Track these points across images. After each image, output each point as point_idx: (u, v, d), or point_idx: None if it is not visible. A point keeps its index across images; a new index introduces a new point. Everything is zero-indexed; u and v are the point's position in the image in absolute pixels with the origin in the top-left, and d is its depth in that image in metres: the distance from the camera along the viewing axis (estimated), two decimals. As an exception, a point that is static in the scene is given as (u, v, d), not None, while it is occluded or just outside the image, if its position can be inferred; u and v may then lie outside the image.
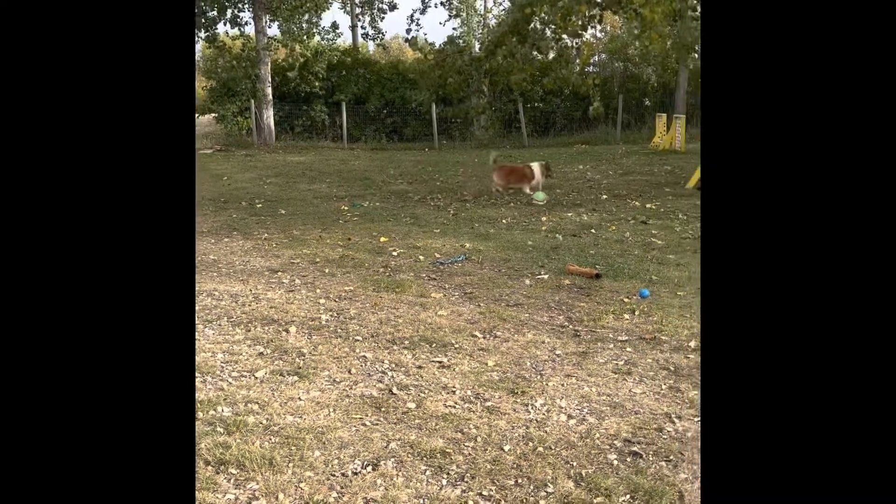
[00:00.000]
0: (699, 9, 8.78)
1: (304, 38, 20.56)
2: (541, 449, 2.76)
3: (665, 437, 2.88)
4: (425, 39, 10.33)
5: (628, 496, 2.44)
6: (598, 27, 23.67)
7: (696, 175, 10.61)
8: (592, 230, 7.57)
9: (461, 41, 20.19)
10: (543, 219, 8.27)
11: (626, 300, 4.83)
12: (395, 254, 6.33)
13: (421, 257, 6.19)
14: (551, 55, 10.92)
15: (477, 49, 15.81)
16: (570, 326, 4.31)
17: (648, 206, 9.07)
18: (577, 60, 9.62)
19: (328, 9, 20.94)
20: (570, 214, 8.55)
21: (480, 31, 26.28)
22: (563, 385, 3.41)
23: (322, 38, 22.35)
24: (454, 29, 26.99)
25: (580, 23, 9.16)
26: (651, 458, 2.70)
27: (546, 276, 5.53)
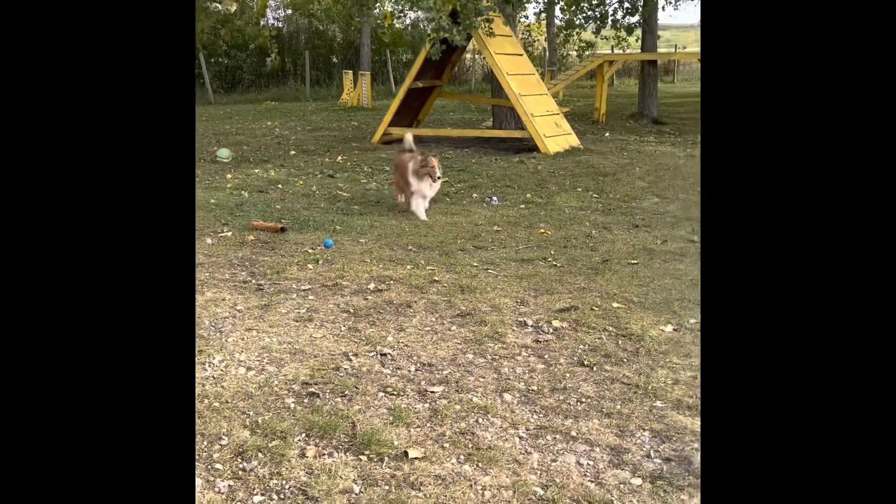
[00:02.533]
0: None
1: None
2: (217, 404, 2.70)
3: (342, 374, 2.99)
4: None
5: (304, 434, 2.50)
6: (280, -20, 23.15)
7: (381, 129, 11.04)
8: (279, 185, 7.50)
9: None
10: (228, 176, 7.98)
11: (310, 251, 4.89)
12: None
13: (87, 223, 5.58)
14: (234, 8, 10.40)
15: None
16: (253, 281, 4.24)
17: (337, 159, 9.23)
18: (254, 9, 9.29)
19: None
20: (256, 171, 8.36)
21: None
22: (243, 339, 3.35)
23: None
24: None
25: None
26: (328, 396, 2.79)
27: (230, 234, 5.36)
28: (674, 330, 3.49)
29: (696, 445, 2.45)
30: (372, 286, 4.15)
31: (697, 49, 29.56)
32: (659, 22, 14.51)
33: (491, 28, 9.92)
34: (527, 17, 25.58)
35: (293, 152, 9.86)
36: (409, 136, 6.49)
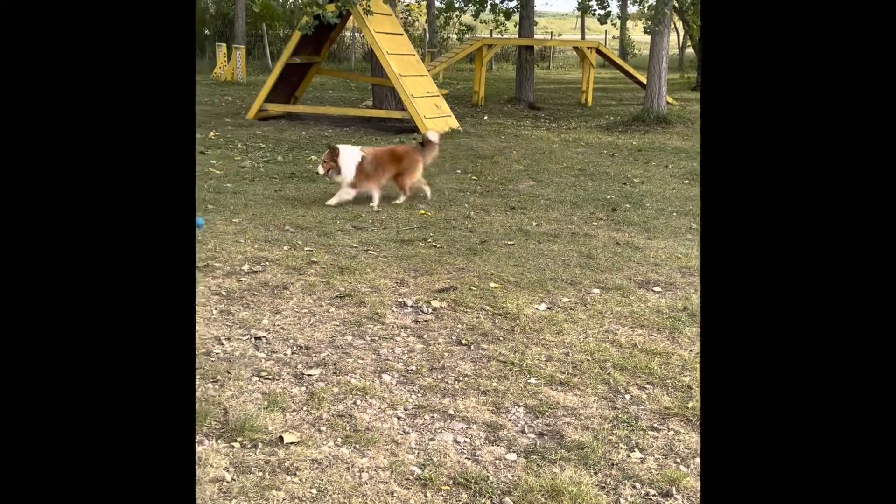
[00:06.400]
0: None
1: None
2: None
3: (213, 359, 2.87)
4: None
5: (171, 423, 2.38)
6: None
7: (256, 105, 10.65)
8: (146, 162, 7.07)
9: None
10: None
11: (179, 231, 4.65)
12: None
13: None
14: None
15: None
16: (116, 263, 3.98)
17: (209, 135, 8.83)
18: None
19: None
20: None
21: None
22: (104, 324, 3.14)
23: None
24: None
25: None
26: (197, 382, 2.67)
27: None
28: (547, 308, 3.60)
29: (568, 420, 2.54)
30: (246, 267, 4.01)
31: (573, 37, 30.53)
32: (536, 9, 14.87)
33: (368, 5, 9.78)
34: (407, -3, 25.44)
35: (161, 127, 9.33)
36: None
